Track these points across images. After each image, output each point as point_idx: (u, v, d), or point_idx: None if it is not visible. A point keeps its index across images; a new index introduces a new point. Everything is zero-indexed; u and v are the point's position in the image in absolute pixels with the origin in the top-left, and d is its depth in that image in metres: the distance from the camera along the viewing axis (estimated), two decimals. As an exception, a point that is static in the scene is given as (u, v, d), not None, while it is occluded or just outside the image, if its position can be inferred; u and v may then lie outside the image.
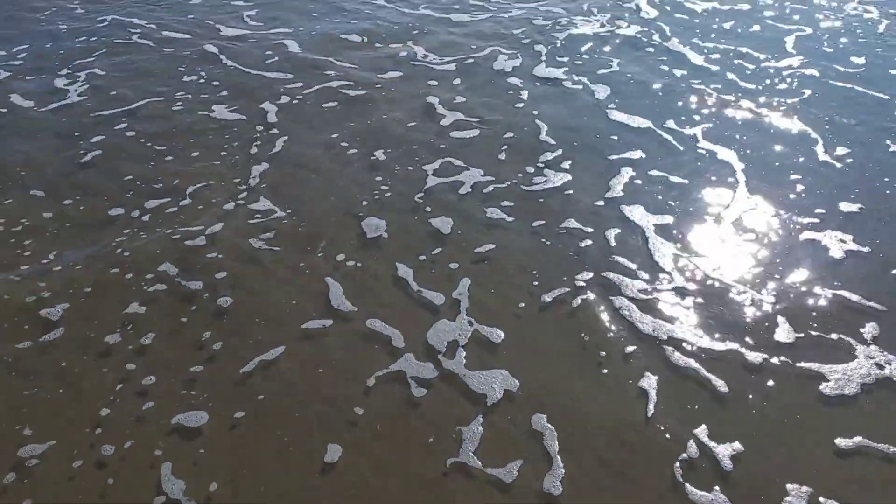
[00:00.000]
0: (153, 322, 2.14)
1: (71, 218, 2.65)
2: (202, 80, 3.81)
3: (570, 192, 2.82)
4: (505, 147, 3.13)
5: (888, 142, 3.20)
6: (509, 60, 3.96)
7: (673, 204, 2.77)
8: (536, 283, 2.33)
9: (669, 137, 3.20)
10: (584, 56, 4.03)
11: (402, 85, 3.75)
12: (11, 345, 2.06)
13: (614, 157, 3.08)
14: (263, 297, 2.25)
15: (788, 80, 3.77)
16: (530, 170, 2.96)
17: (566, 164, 2.99)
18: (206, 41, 4.28)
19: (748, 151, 3.12)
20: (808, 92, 3.64)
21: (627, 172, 2.96)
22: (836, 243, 2.53)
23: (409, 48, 4.16)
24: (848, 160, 3.05)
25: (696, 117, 3.39)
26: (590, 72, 3.84)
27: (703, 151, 3.09)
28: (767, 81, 3.73)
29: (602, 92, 3.66)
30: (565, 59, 3.98)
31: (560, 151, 3.09)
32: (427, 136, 3.27)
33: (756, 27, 4.50)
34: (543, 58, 4.01)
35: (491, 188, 2.85)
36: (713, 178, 2.92)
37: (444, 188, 2.84)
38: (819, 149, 3.15)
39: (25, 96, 3.60)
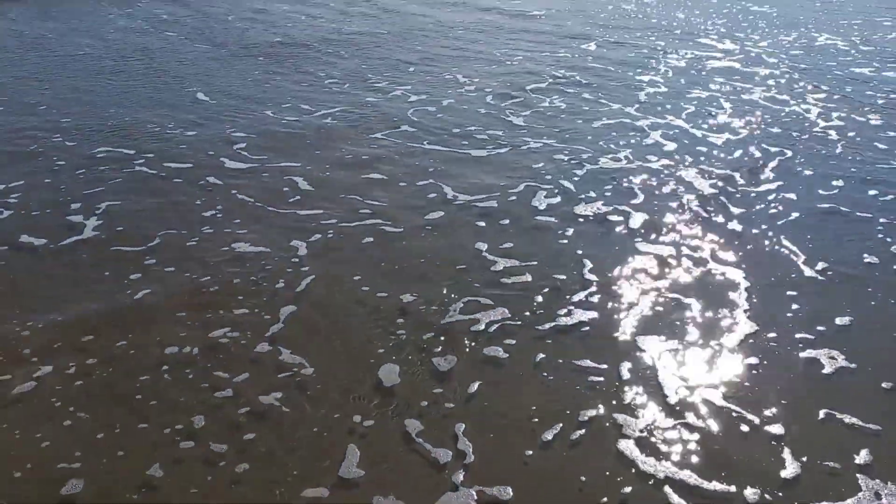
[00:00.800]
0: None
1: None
2: (219, 214, 3.89)
3: (588, 328, 2.96)
4: (544, 289, 3.26)
5: (865, 255, 3.51)
6: (547, 198, 4.17)
7: (681, 330, 2.94)
8: (537, 420, 2.42)
9: (686, 262, 3.37)
10: (616, 189, 4.26)
11: (436, 224, 3.84)
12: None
13: (643, 286, 3.22)
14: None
15: (772, 203, 4.00)
16: (562, 311, 3.06)
17: (594, 299, 3.13)
18: (211, 171, 4.38)
19: (747, 270, 3.30)
20: (794, 215, 3.86)
21: (647, 300, 3.17)
22: (828, 360, 2.74)
23: (437, 186, 4.29)
24: (835, 279, 3.30)
25: (708, 238, 3.59)
26: (622, 204, 4.05)
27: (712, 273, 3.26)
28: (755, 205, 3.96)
29: (637, 220, 3.86)
30: (594, 195, 4.19)
31: (594, 288, 3.23)
32: (461, 275, 3.34)
33: (738, 152, 4.78)
34: (578, 194, 4.22)
35: (511, 326, 2.94)
36: (717, 301, 3.11)
37: (464, 327, 2.91)
38: (806, 266, 3.42)
39: (36, 234, 3.63)
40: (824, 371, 2.69)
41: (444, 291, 3.26)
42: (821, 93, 5.94)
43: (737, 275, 3.37)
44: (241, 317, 3.02)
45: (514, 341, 2.87)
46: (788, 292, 3.21)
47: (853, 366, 2.71)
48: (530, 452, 2.28)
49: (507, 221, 3.90)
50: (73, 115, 5.26)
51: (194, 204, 4.02)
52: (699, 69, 6.58)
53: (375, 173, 4.47)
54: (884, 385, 2.61)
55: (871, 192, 4.21)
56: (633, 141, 4.98)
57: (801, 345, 2.85)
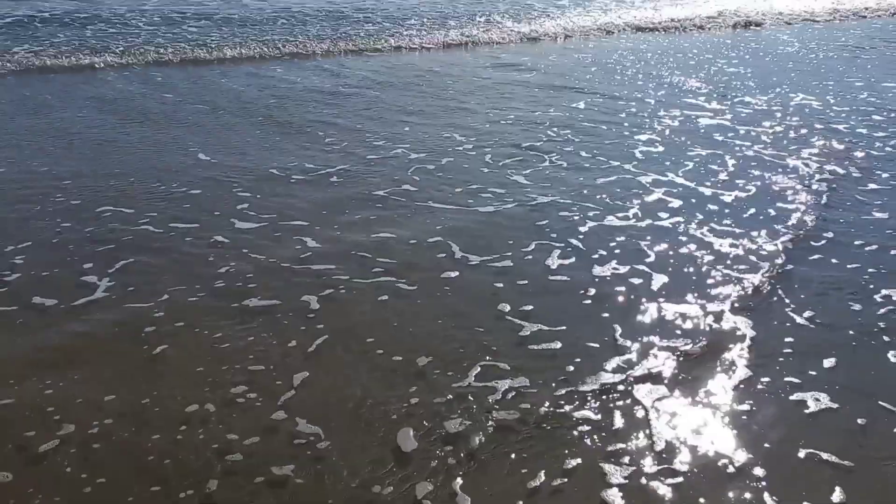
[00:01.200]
0: None
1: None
2: (231, 269, 3.87)
3: (607, 394, 2.90)
4: (569, 354, 3.19)
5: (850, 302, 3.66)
6: (561, 258, 4.13)
7: (676, 380, 3.03)
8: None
9: (703, 321, 3.36)
10: (627, 248, 4.25)
11: (451, 283, 3.80)
12: None
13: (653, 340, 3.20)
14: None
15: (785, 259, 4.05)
16: (584, 375, 3.01)
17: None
18: (219, 230, 4.35)
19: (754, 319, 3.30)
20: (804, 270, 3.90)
21: (637, 348, 3.25)
22: (814, 402, 2.91)
23: (446, 244, 4.25)
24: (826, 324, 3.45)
25: (718, 292, 3.58)
26: (638, 264, 4.02)
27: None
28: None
29: (658, 281, 3.84)
30: (607, 254, 4.17)
31: (617, 352, 3.18)
32: (479, 337, 3.30)
33: (748, 209, 4.83)
34: (591, 253, 4.19)
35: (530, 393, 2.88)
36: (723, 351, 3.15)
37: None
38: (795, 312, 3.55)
39: (48, 294, 3.59)
40: (808, 411, 2.87)
41: (462, 353, 3.22)
42: (812, 147, 6.08)
43: (743, 324, 3.46)
44: (255, 375, 3.02)
45: (528, 405, 2.86)
46: (786, 338, 3.35)
47: (835, 405, 2.89)
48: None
49: (525, 282, 3.85)
50: (74, 177, 5.17)
51: (205, 260, 3.99)
52: (692, 127, 6.71)
53: (383, 231, 4.43)
54: (859, 421, 2.80)
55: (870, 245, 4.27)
56: (637, 198, 5.00)
57: (790, 388, 3.00)
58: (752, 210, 4.82)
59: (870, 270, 4.00)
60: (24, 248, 4.07)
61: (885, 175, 5.48)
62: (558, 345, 3.28)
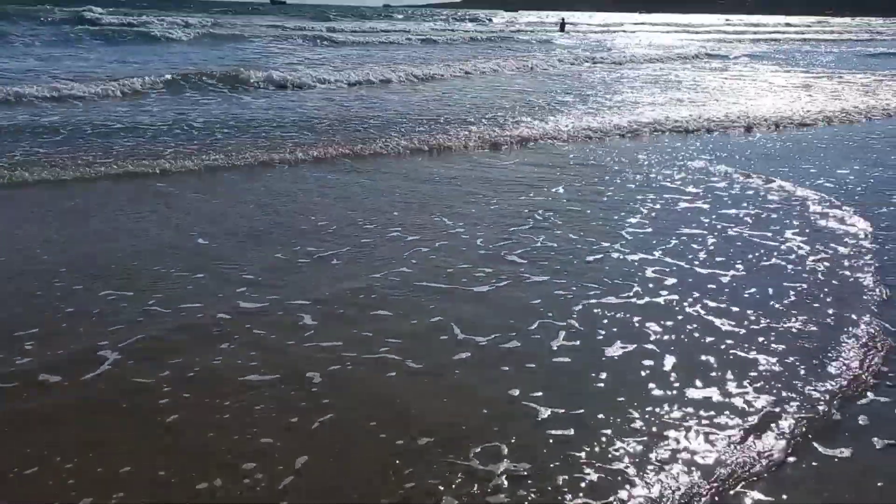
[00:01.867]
0: None
1: None
2: (233, 345, 3.89)
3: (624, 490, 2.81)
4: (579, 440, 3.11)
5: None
6: (566, 339, 4.07)
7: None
8: None
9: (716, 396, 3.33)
10: (629, 326, 4.23)
11: (455, 364, 3.72)
12: None
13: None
14: None
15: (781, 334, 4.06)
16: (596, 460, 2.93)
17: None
18: (222, 309, 4.38)
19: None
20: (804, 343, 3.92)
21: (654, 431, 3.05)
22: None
23: (447, 323, 4.21)
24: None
25: (733, 375, 3.56)
26: (644, 343, 3.99)
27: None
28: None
29: (669, 362, 3.80)
30: (610, 333, 4.13)
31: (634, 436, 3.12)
32: (490, 422, 3.21)
33: (743, 286, 4.90)
34: (595, 333, 4.15)
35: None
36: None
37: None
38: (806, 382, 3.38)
39: (55, 372, 3.60)
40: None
41: (468, 434, 3.14)
42: (793, 228, 6.26)
43: (760, 402, 3.43)
44: (260, 449, 3.01)
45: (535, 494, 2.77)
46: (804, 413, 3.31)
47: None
48: None
49: (532, 365, 3.78)
50: (76, 261, 5.19)
51: (209, 335, 4.03)
52: (673, 210, 6.88)
53: (383, 310, 4.43)
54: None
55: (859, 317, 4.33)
56: (631, 277, 5.04)
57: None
58: (748, 288, 4.87)
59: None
60: (33, 334, 4.04)
61: (856, 250, 5.64)
62: (571, 431, 3.19)
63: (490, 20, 66.99)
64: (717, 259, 5.47)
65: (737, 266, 5.31)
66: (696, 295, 4.73)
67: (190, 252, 5.43)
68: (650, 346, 3.99)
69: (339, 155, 9.16)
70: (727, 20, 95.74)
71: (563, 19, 54.58)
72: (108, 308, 4.39)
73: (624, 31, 53.89)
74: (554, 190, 7.64)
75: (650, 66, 24.83)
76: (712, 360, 3.86)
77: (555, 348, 3.97)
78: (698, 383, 3.62)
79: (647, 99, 15.42)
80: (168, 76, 14.98)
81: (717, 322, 4.32)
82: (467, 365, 3.78)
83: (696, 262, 5.37)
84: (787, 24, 75.98)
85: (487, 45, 32.57)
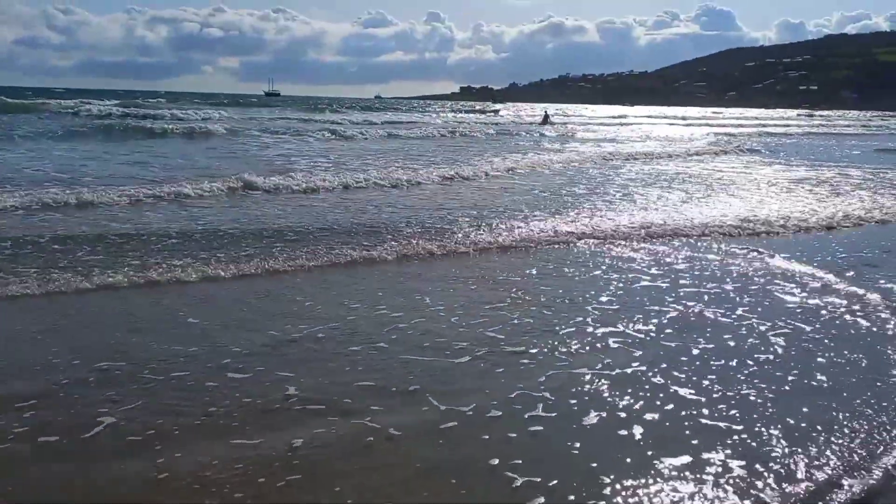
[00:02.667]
0: None
1: None
2: (219, 412, 4.10)
3: None
4: None
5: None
6: (545, 410, 4.24)
7: None
8: None
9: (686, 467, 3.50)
10: (601, 396, 4.42)
11: (437, 432, 3.88)
12: None
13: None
14: None
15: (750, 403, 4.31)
16: None
17: None
18: (211, 378, 4.59)
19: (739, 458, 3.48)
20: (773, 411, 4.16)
21: None
22: None
23: (425, 393, 4.41)
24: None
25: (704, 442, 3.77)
26: (618, 411, 4.18)
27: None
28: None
29: (638, 430, 3.98)
30: (586, 402, 4.33)
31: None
32: (465, 492, 3.35)
33: (710, 361, 5.17)
34: (572, 402, 4.33)
35: None
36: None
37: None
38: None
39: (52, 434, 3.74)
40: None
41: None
42: (745, 306, 6.61)
43: (733, 464, 3.63)
44: None
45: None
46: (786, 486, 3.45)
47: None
48: None
49: (512, 434, 3.96)
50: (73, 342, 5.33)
51: (199, 401, 4.26)
52: (638, 288, 7.22)
53: (366, 381, 4.64)
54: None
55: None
56: (601, 350, 5.30)
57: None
58: (714, 362, 5.15)
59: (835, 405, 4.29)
60: (30, 405, 4.17)
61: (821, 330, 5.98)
62: (547, 498, 3.33)
63: (497, 112, 71.64)
64: (678, 332, 5.78)
65: (698, 340, 5.59)
66: (663, 364, 5.01)
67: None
68: (623, 415, 4.20)
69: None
70: (714, 112, 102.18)
71: (546, 112, 57.68)
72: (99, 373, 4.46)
73: (603, 125, 53.13)
74: (528, 271, 7.93)
75: (657, 163, 22.78)
76: (682, 429, 4.06)
77: (533, 416, 4.16)
78: (669, 452, 3.78)
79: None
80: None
81: (681, 391, 4.55)
82: (445, 433, 3.95)
83: (662, 335, 5.66)
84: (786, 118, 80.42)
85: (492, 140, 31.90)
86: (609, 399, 4.43)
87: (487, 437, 3.90)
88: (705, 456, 3.73)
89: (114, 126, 27.72)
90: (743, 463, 3.65)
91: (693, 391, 4.57)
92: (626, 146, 29.85)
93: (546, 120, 52.76)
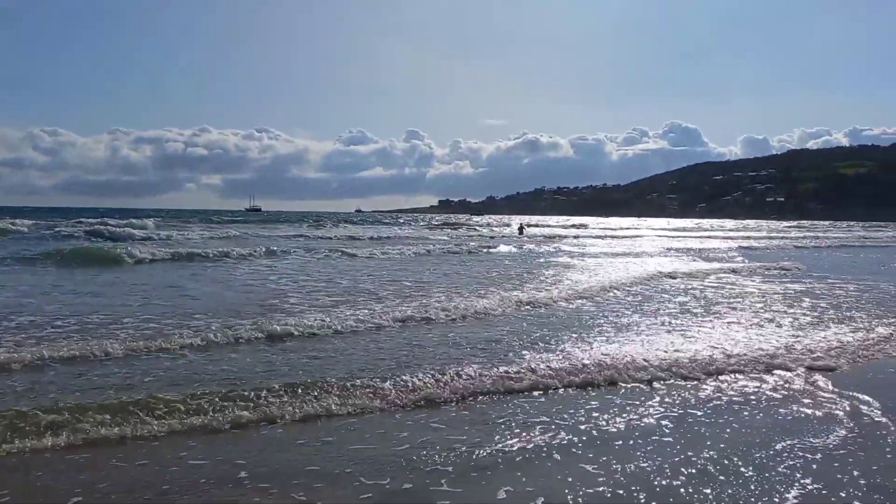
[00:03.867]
0: None
1: None
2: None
3: None
4: None
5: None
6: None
7: None
8: None
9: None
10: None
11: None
12: None
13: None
14: None
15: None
16: None
17: None
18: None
19: None
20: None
21: None
22: None
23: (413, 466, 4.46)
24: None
25: None
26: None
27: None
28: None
29: None
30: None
31: None
32: None
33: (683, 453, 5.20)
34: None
35: None
36: None
37: None
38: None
39: None
40: None
41: None
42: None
43: None
44: None
45: None
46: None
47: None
48: None
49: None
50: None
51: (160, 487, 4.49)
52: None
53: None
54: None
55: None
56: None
57: None
58: (685, 454, 5.17)
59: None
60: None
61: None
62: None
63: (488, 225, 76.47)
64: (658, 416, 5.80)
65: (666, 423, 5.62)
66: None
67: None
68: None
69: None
70: (697, 224, 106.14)
71: (521, 224, 64.59)
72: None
73: (579, 236, 51.82)
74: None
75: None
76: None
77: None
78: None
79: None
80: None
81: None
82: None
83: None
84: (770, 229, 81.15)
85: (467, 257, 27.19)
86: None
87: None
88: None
89: (87, 251, 22.47)
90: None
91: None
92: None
93: (521, 231, 57.71)
